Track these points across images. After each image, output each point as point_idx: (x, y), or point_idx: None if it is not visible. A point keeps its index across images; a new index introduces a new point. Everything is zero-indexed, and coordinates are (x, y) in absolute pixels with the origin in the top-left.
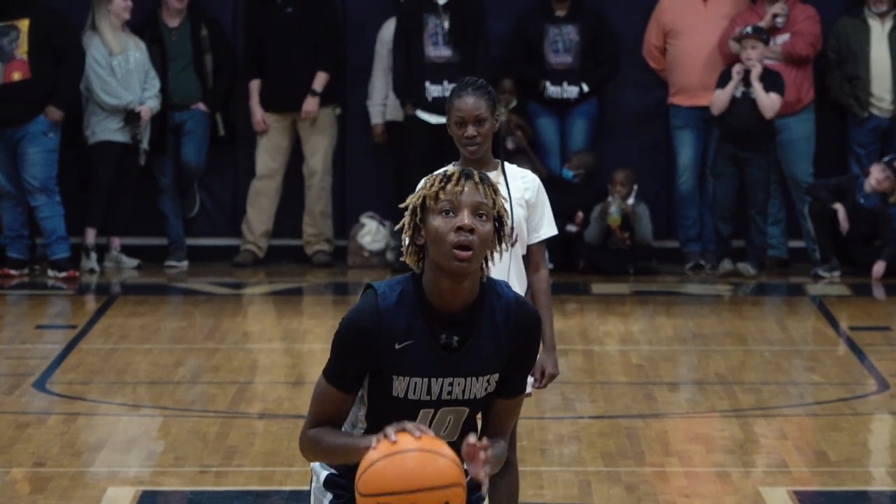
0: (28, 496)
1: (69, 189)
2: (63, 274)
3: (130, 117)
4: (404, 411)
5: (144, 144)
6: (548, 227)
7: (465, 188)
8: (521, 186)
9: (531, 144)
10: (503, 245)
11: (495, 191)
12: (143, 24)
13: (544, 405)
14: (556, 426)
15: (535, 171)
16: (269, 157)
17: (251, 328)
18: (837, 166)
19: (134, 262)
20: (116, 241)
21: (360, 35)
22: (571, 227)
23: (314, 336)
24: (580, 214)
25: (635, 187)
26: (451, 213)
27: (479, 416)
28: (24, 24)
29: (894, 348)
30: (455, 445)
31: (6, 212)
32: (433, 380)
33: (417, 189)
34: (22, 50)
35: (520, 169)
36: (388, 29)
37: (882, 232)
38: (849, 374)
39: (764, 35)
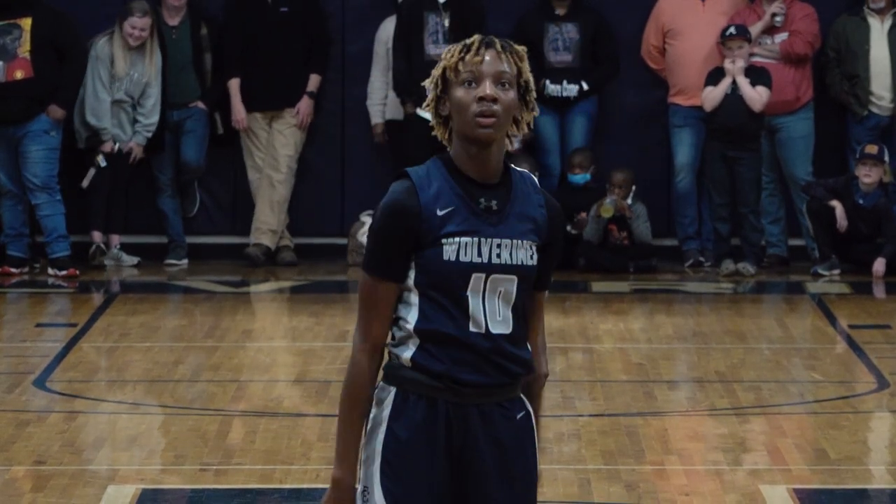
0: (28, 494)
1: (70, 188)
2: (63, 272)
3: (92, 141)
4: (457, 276)
5: (101, 164)
6: None
7: (486, 57)
8: None
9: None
10: (531, 109)
11: (520, 57)
12: None
13: (544, 403)
14: (556, 424)
15: (532, 170)
16: (267, 155)
17: (251, 326)
18: (837, 165)
19: (134, 260)
20: (116, 239)
21: (360, 35)
22: (571, 230)
23: (314, 334)
24: (581, 216)
25: (633, 188)
26: (472, 84)
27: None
28: (26, 23)
29: (894, 346)
30: (510, 338)
31: (7, 210)
32: (482, 239)
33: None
34: (25, 48)
35: (519, 169)
36: (386, 28)
37: (884, 228)
38: (848, 372)
39: (748, 34)
